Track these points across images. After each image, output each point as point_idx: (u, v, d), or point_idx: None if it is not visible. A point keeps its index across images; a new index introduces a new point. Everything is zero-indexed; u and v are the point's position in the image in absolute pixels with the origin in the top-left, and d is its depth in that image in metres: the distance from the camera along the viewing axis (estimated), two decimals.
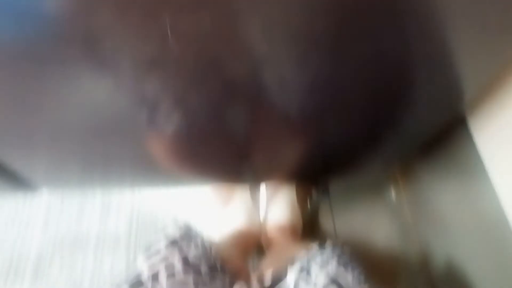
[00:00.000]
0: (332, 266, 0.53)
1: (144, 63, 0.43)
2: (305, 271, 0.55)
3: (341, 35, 0.40)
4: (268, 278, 0.55)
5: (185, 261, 0.57)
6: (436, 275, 0.78)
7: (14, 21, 0.37)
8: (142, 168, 0.71)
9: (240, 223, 0.97)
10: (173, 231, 0.61)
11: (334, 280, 0.52)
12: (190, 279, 0.56)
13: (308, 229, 1.04)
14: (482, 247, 0.62)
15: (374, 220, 0.96)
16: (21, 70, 0.43)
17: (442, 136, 0.67)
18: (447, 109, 0.58)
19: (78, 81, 0.45)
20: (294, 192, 1.02)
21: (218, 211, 1.03)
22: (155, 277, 0.54)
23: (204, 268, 0.59)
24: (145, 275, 0.54)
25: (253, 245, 0.99)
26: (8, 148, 0.58)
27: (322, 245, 0.63)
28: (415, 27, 0.41)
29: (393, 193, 0.90)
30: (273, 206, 1.01)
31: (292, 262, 0.58)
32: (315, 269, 0.54)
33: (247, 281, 0.55)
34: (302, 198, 1.05)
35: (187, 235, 0.62)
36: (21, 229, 1.20)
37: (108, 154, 0.64)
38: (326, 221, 1.05)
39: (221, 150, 0.65)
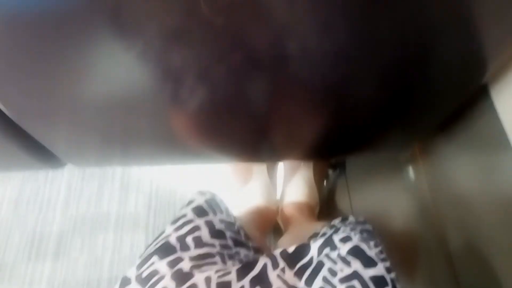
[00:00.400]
0: (355, 239, 0.54)
1: (170, 31, 0.43)
2: (328, 243, 0.55)
3: (366, 2, 0.40)
4: (291, 250, 0.56)
5: (211, 225, 0.58)
6: (455, 254, 0.77)
7: None
8: (162, 144, 0.71)
9: (258, 201, 0.98)
10: (199, 199, 0.62)
11: (356, 254, 0.52)
12: (217, 242, 0.57)
13: (325, 207, 1.05)
14: (504, 225, 0.61)
15: (392, 199, 0.95)
16: (45, 40, 0.43)
17: (463, 110, 0.66)
18: (470, 80, 0.57)
19: (102, 52, 0.45)
20: (312, 171, 1.02)
21: (236, 189, 1.04)
22: (182, 239, 0.55)
23: (229, 234, 0.60)
24: (173, 238, 0.55)
25: (271, 223, 1.00)
26: (31, 120, 0.59)
27: (345, 218, 0.64)
28: None
29: (411, 171, 0.90)
30: (291, 184, 1.01)
31: (314, 236, 0.58)
32: (338, 241, 0.54)
33: (269, 254, 0.56)
34: (319, 176, 1.05)
35: (213, 202, 0.63)
36: (43, 209, 1.23)
37: (129, 129, 0.64)
38: (342, 200, 1.06)
39: (241, 127, 0.65)
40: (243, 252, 0.61)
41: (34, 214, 1.22)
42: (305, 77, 0.52)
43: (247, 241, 0.65)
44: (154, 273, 0.50)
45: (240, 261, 0.59)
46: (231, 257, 0.58)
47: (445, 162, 0.78)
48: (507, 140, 0.56)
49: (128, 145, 0.71)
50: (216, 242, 0.57)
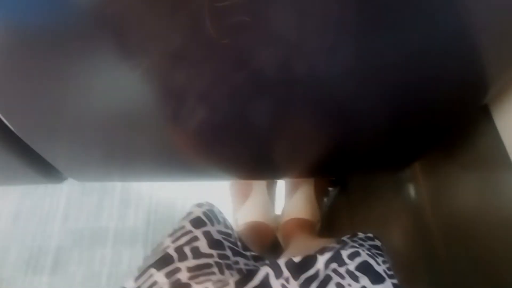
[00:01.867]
0: (364, 254, 0.53)
1: (174, 51, 0.43)
2: (336, 258, 0.55)
3: (373, 25, 0.41)
4: (298, 260, 0.56)
5: (209, 236, 0.58)
6: (456, 273, 0.77)
7: (43, 8, 0.38)
8: (163, 161, 0.71)
9: (256, 217, 0.98)
10: (196, 211, 0.62)
11: (365, 269, 0.52)
12: (215, 253, 0.57)
13: (326, 224, 1.05)
14: (505, 244, 0.61)
15: (392, 217, 0.95)
16: (49, 57, 0.44)
17: (464, 130, 0.66)
18: (471, 100, 0.57)
19: (105, 70, 0.46)
20: (313, 188, 1.02)
21: (236, 205, 1.04)
22: (180, 250, 0.54)
23: (227, 244, 0.60)
24: (171, 249, 0.54)
25: (269, 239, 1.00)
26: (34, 134, 0.59)
27: (354, 234, 0.64)
28: (444, 19, 0.41)
29: (412, 189, 0.90)
30: (292, 201, 1.01)
31: (321, 250, 0.58)
32: (345, 257, 0.54)
33: (272, 263, 0.55)
34: (320, 193, 1.05)
35: (211, 213, 0.63)
36: (42, 222, 1.22)
37: (130, 146, 0.65)
38: (343, 217, 1.06)
39: (242, 146, 0.66)
40: (242, 261, 0.61)
41: (33, 228, 1.22)
42: (309, 98, 0.52)
43: (245, 251, 0.64)
44: (152, 285, 0.50)
45: (239, 270, 0.59)
46: (229, 267, 0.57)
47: (446, 181, 0.78)
48: (508, 159, 0.56)
49: (129, 161, 0.71)
50: (214, 252, 0.57)
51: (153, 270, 0.52)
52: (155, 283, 0.50)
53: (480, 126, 0.64)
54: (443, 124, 0.63)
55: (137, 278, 0.52)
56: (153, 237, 1.20)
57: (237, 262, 0.60)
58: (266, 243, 0.97)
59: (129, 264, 1.17)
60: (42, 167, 0.70)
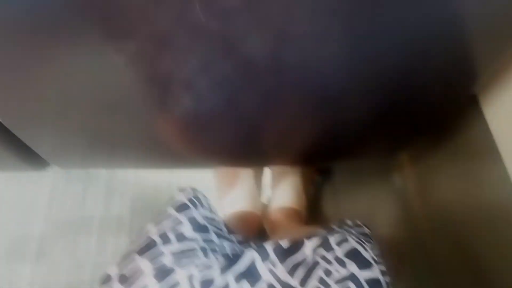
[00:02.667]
0: (352, 241, 0.54)
1: (162, 35, 0.42)
2: (324, 245, 0.55)
3: (362, 12, 0.40)
4: (285, 244, 0.56)
5: (193, 220, 0.58)
6: (440, 261, 0.78)
7: None
8: (148, 148, 0.71)
9: (243, 206, 0.98)
10: (180, 196, 0.61)
11: (353, 256, 0.52)
12: (199, 237, 0.56)
13: (312, 213, 1.05)
14: (490, 232, 0.62)
15: (378, 205, 0.96)
16: (32, 42, 0.43)
17: (453, 119, 0.66)
18: (459, 89, 0.58)
19: (89, 54, 0.45)
20: (299, 177, 1.02)
21: (222, 193, 1.03)
22: (164, 235, 0.54)
23: (212, 229, 0.60)
24: (154, 235, 0.54)
25: (255, 227, 1.00)
26: (17, 120, 0.58)
27: (343, 222, 0.64)
28: (432, 6, 0.41)
29: (398, 178, 0.90)
30: (278, 190, 1.01)
31: (309, 236, 0.58)
32: (334, 244, 0.54)
33: (258, 248, 0.55)
34: (307, 182, 1.05)
35: (195, 197, 0.62)
36: (25, 210, 1.20)
37: (115, 132, 0.64)
38: (329, 206, 1.06)
39: (230, 133, 0.65)
40: (228, 245, 0.61)
41: (16, 216, 1.19)
42: (298, 86, 0.52)
43: (230, 236, 0.64)
44: (135, 270, 0.49)
45: (225, 255, 0.58)
46: (214, 251, 0.57)
47: (433, 170, 0.79)
48: (496, 148, 0.57)
49: (113, 148, 0.70)
50: (199, 236, 0.56)
51: (136, 256, 0.51)
52: (138, 269, 0.49)
53: (469, 115, 0.64)
54: (431, 113, 0.63)
55: (120, 264, 0.51)
56: (138, 226, 1.18)
57: (222, 246, 0.60)
58: (252, 232, 0.97)
59: (114, 253, 1.15)
60: (25, 153, 0.69)
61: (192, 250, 0.54)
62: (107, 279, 0.50)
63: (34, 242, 1.16)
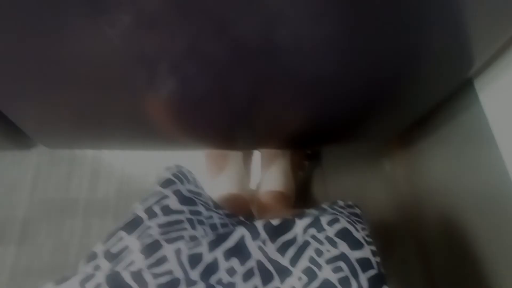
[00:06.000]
0: (343, 221, 0.53)
1: (151, 10, 0.41)
2: (315, 224, 0.54)
3: None
4: (276, 223, 0.55)
5: (179, 193, 0.57)
6: (429, 245, 0.78)
7: None
8: (135, 128, 0.69)
9: (232, 189, 0.98)
10: (165, 173, 0.61)
11: (344, 235, 0.52)
12: (186, 208, 0.56)
13: (301, 197, 1.05)
14: (484, 216, 0.62)
15: (368, 190, 0.96)
16: (18, 12, 0.41)
17: (446, 104, 0.66)
18: (456, 73, 0.57)
19: (76, 25, 0.43)
20: (289, 160, 1.02)
21: (211, 176, 1.02)
22: (149, 209, 0.53)
23: (199, 201, 0.59)
24: (140, 211, 0.53)
25: (244, 211, 0.99)
26: (2, 96, 0.56)
27: (334, 202, 0.64)
28: None
29: (388, 163, 0.90)
30: (268, 173, 1.01)
31: (300, 215, 0.57)
32: (325, 223, 0.54)
33: (248, 225, 0.55)
34: (296, 166, 1.05)
35: (180, 173, 0.62)
36: (8, 192, 1.18)
37: (102, 110, 0.62)
38: (318, 190, 1.06)
39: (219, 115, 0.64)
40: (216, 216, 0.60)
41: None
42: (289, 66, 0.51)
43: (217, 209, 0.63)
44: (122, 248, 0.48)
45: (213, 225, 0.58)
46: (201, 223, 0.56)
47: (423, 154, 0.79)
48: (490, 133, 0.57)
49: (100, 127, 0.69)
50: (185, 208, 0.56)
51: (123, 233, 0.50)
52: (125, 246, 0.48)
53: (464, 99, 0.64)
54: (426, 97, 0.63)
55: (105, 241, 0.50)
56: (124, 209, 1.17)
57: (210, 217, 0.59)
58: (241, 215, 0.96)
59: (99, 235, 1.13)
60: (9, 131, 0.67)
61: (179, 222, 0.53)
62: (92, 256, 0.49)
63: (18, 224, 1.14)
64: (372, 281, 0.48)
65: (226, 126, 0.70)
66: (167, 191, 0.56)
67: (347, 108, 0.65)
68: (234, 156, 1.02)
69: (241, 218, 0.63)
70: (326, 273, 0.48)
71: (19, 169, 1.21)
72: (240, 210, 0.96)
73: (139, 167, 1.24)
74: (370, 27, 0.45)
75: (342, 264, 0.48)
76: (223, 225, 0.59)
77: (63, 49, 0.47)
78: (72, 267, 1.04)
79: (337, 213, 0.57)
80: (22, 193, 1.18)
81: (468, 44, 0.51)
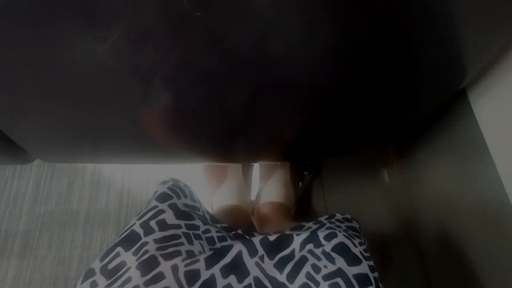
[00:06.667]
0: (340, 236, 0.53)
1: (145, 25, 0.41)
2: (312, 239, 0.54)
3: (352, 3, 0.40)
4: (273, 238, 0.55)
5: (175, 208, 0.57)
6: (427, 255, 0.78)
7: None
8: (134, 143, 0.69)
9: (231, 200, 0.97)
10: (162, 187, 0.61)
11: (341, 251, 0.51)
12: (183, 223, 0.56)
13: (300, 208, 1.05)
14: (480, 226, 0.62)
15: (366, 201, 0.96)
16: (11, 29, 0.41)
17: (440, 115, 0.66)
18: (449, 84, 0.57)
19: (72, 43, 0.43)
20: (288, 172, 1.02)
21: (211, 189, 1.02)
22: (146, 225, 0.53)
23: (195, 215, 0.59)
24: (137, 226, 0.53)
25: (244, 223, 0.99)
26: (1, 113, 0.57)
27: (332, 215, 0.63)
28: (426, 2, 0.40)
29: (386, 174, 0.90)
30: (267, 185, 1.01)
31: (298, 228, 0.57)
32: (322, 238, 0.54)
33: (245, 241, 0.54)
34: (295, 177, 1.05)
35: (176, 187, 0.62)
36: (9, 205, 1.19)
37: (99, 125, 0.62)
38: (317, 201, 1.06)
39: (216, 129, 0.64)
40: (213, 230, 0.60)
41: (0, 210, 1.18)
42: (285, 79, 0.51)
43: (215, 223, 0.63)
44: (119, 264, 0.48)
45: (210, 239, 0.58)
46: (198, 237, 0.56)
47: (420, 165, 0.79)
48: (484, 143, 0.57)
49: (99, 142, 0.69)
50: (182, 223, 0.56)
51: (119, 249, 0.50)
52: (123, 263, 0.48)
53: (458, 110, 0.64)
54: (420, 108, 0.63)
55: (103, 258, 0.50)
56: (125, 220, 1.18)
57: (208, 231, 0.59)
58: (241, 227, 0.96)
59: (101, 247, 1.15)
60: (9, 147, 0.67)
61: (175, 236, 0.53)
62: (90, 273, 0.49)
63: (19, 237, 1.14)
64: None
65: (224, 140, 0.70)
66: (164, 206, 0.56)
67: (344, 120, 0.65)
68: (234, 168, 1.02)
69: (239, 232, 0.63)
70: None
71: (19, 182, 1.21)
72: (240, 221, 0.96)
73: (139, 178, 1.25)
74: (363, 39, 0.45)
75: (339, 280, 0.48)
76: (221, 239, 0.59)
77: (58, 68, 0.47)
78: (73, 280, 1.05)
79: (335, 227, 0.57)
80: (23, 206, 1.18)
81: (460, 55, 0.51)
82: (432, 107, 0.62)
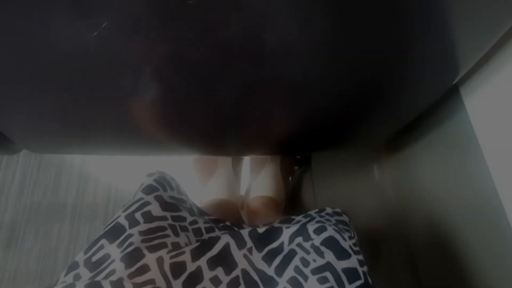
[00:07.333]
0: (330, 229, 0.53)
1: (136, 13, 0.40)
2: (301, 232, 0.54)
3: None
4: (262, 231, 0.54)
5: (161, 200, 0.56)
6: (417, 251, 0.78)
7: None
8: (124, 134, 0.68)
9: (221, 194, 0.97)
10: (148, 179, 0.60)
11: (330, 245, 0.51)
12: (169, 214, 0.55)
13: (290, 203, 1.05)
14: (470, 222, 0.62)
15: (356, 196, 0.96)
16: (1, 14, 0.40)
17: (432, 111, 0.66)
18: (441, 81, 0.57)
19: (60, 28, 0.42)
20: (279, 167, 1.02)
21: (200, 182, 1.02)
22: (131, 217, 0.52)
23: (182, 207, 0.58)
24: (122, 218, 0.52)
25: (233, 216, 0.99)
26: None
27: (322, 209, 0.63)
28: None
29: (376, 169, 0.90)
30: (257, 179, 1.00)
31: (287, 221, 0.57)
32: (312, 232, 0.53)
33: (233, 233, 0.54)
34: (286, 172, 1.05)
35: (162, 179, 0.61)
36: None
37: (88, 115, 0.61)
38: (307, 196, 1.06)
39: (206, 121, 0.64)
40: (201, 221, 0.59)
41: None
42: (278, 72, 0.51)
43: (202, 214, 0.63)
44: (103, 257, 0.47)
45: (197, 231, 0.57)
46: (184, 229, 0.55)
47: (410, 161, 0.79)
48: (476, 141, 0.57)
49: (87, 133, 0.68)
50: (168, 214, 0.55)
51: (104, 241, 0.49)
52: (107, 255, 0.48)
53: (449, 106, 0.64)
54: (412, 104, 0.63)
55: (87, 250, 0.49)
56: (113, 214, 1.17)
57: (195, 222, 0.58)
58: (230, 221, 0.96)
59: (88, 240, 1.14)
60: None
61: (161, 228, 0.52)
62: (74, 265, 0.48)
63: (4, 229, 1.13)
64: None
65: (214, 132, 0.70)
66: (149, 198, 0.56)
67: (335, 114, 0.64)
68: (224, 161, 1.02)
69: (227, 223, 0.62)
70: (312, 283, 0.48)
71: (5, 173, 1.20)
72: (230, 215, 0.96)
73: (127, 171, 1.24)
74: (356, 33, 0.45)
75: (328, 274, 0.48)
76: (208, 230, 0.58)
77: (47, 55, 0.47)
78: (60, 273, 1.04)
79: (325, 221, 0.57)
80: (8, 197, 1.17)
81: (453, 52, 0.51)
82: (425, 104, 0.62)
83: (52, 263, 1.09)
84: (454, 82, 0.59)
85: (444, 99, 0.64)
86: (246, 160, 1.09)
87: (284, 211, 1.01)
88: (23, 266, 1.08)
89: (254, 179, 1.02)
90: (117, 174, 1.23)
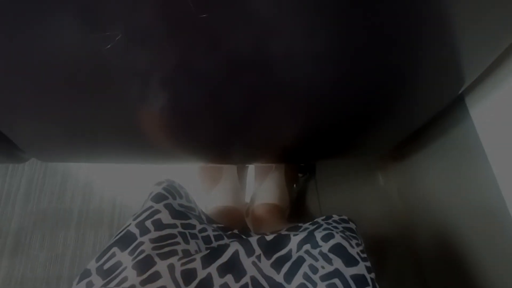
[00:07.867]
0: (337, 237, 0.53)
1: (146, 25, 0.41)
2: (309, 240, 0.54)
3: (352, 7, 0.40)
4: (270, 238, 0.55)
5: (171, 208, 0.57)
6: (423, 257, 0.78)
7: None
8: (129, 143, 0.69)
9: (226, 202, 0.97)
10: (157, 188, 0.61)
11: (338, 252, 0.52)
12: (179, 222, 0.56)
13: (295, 210, 1.05)
14: (476, 230, 0.62)
15: (361, 203, 0.96)
16: (10, 23, 0.41)
17: (438, 118, 0.67)
18: (447, 91, 0.58)
19: (69, 45, 0.43)
20: (283, 174, 1.02)
21: (205, 189, 1.02)
22: (141, 224, 0.53)
23: (191, 215, 0.59)
24: (132, 226, 0.53)
25: (239, 225, 0.99)
26: None
27: (329, 216, 0.64)
28: (423, 5, 0.41)
29: (380, 176, 0.91)
30: (262, 186, 1.01)
31: (295, 228, 0.57)
32: (319, 239, 0.54)
33: (242, 241, 0.55)
34: (290, 180, 1.05)
35: (171, 188, 0.62)
36: (1, 203, 1.18)
37: (95, 124, 0.62)
38: (312, 203, 1.06)
39: (213, 130, 0.64)
40: (209, 229, 0.60)
41: None
42: (284, 82, 0.51)
43: (210, 224, 0.63)
44: (115, 264, 0.48)
45: (207, 238, 0.57)
46: (194, 236, 0.56)
47: (415, 169, 0.79)
48: (482, 149, 0.57)
49: (93, 141, 0.69)
50: (178, 222, 0.56)
51: (115, 249, 0.50)
52: (118, 263, 0.48)
53: (455, 115, 0.64)
54: (418, 114, 0.63)
55: (99, 258, 0.50)
56: (118, 220, 1.18)
57: (204, 230, 0.59)
58: (238, 229, 0.96)
59: (94, 246, 1.14)
60: (4, 146, 0.67)
61: (171, 236, 0.53)
62: (86, 273, 0.49)
63: (11, 236, 1.13)
64: None
65: (220, 141, 0.70)
66: (159, 206, 0.56)
67: (341, 124, 0.65)
68: (229, 169, 1.02)
69: (235, 231, 0.63)
70: None
71: (12, 181, 1.20)
72: (235, 223, 0.96)
73: (133, 178, 1.24)
74: (362, 43, 0.45)
75: (336, 281, 0.48)
76: (217, 238, 0.59)
77: (60, 66, 0.47)
78: (66, 279, 1.04)
79: (332, 228, 0.57)
80: (15, 205, 1.17)
81: (458, 63, 0.51)
82: (431, 113, 0.63)
83: (59, 269, 1.09)
84: (460, 92, 0.59)
85: (450, 108, 0.64)
86: (251, 168, 1.10)
87: (288, 218, 1.02)
88: (29, 273, 1.09)
89: (259, 186, 1.02)
90: (122, 181, 1.23)
